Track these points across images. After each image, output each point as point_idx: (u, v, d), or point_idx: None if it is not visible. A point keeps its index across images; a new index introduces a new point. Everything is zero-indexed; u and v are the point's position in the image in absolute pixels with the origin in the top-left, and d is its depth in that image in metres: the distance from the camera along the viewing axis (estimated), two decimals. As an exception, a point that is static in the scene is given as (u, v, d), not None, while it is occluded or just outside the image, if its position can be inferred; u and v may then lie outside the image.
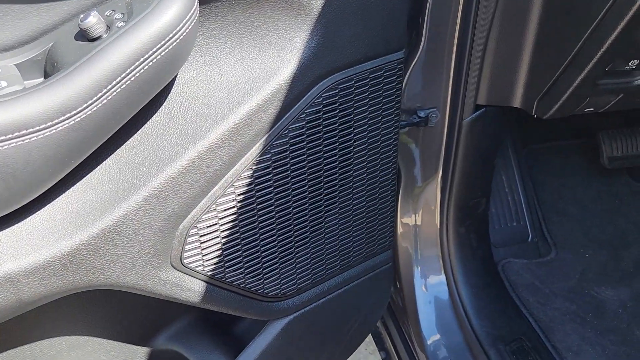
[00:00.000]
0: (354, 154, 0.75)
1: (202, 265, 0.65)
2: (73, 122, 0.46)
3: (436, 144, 0.99)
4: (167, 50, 0.47)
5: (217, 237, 0.63)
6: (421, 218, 1.04)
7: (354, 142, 0.74)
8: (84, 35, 0.50)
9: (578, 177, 1.37)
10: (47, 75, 0.53)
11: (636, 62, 0.79)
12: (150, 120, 0.54)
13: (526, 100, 0.91)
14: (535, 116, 0.92)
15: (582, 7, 0.74)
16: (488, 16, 0.84)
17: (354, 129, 0.73)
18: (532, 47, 0.84)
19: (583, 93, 0.84)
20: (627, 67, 0.80)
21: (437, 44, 0.87)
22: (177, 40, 0.47)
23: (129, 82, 0.47)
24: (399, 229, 1.02)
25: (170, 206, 0.56)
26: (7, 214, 0.50)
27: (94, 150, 0.51)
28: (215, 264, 0.66)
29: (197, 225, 0.60)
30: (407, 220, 1.03)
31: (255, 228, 0.68)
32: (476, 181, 1.04)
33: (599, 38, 0.74)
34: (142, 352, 0.85)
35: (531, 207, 1.27)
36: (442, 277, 1.05)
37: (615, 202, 1.33)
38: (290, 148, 0.65)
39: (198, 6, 0.49)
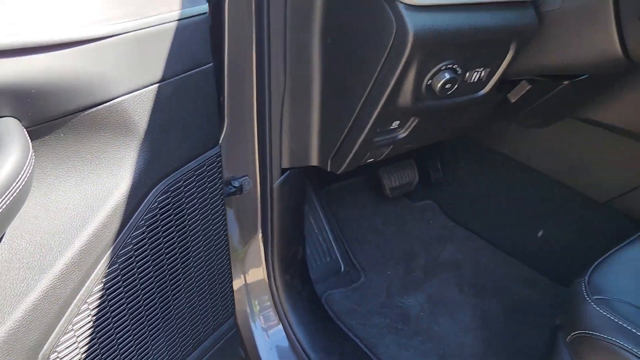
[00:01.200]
0: (191, 243, 0.82)
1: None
2: None
3: (252, 208, 1.10)
4: (8, 202, 0.48)
5: (78, 354, 0.64)
6: (250, 277, 1.14)
7: (190, 232, 0.81)
8: None
9: (370, 207, 1.61)
10: None
11: (397, 122, 1.01)
12: (-8, 261, 0.54)
13: (321, 160, 1.07)
14: (329, 169, 1.09)
15: (352, 88, 0.92)
16: (279, 95, 0.98)
17: (189, 221, 0.80)
18: (318, 119, 1.01)
19: (364, 150, 1.03)
20: (391, 127, 1.01)
21: (240, 119, 0.98)
22: (18, 190, 0.49)
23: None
24: (234, 293, 1.10)
25: (28, 339, 0.56)
26: None
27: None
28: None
29: (57, 349, 0.61)
30: (238, 282, 1.12)
31: (112, 335, 0.70)
32: (292, 233, 1.18)
33: (369, 110, 0.93)
34: None
35: (338, 241, 1.46)
36: (279, 325, 1.16)
37: (401, 223, 1.60)
38: (135, 254, 0.69)
39: (32, 152, 0.52)
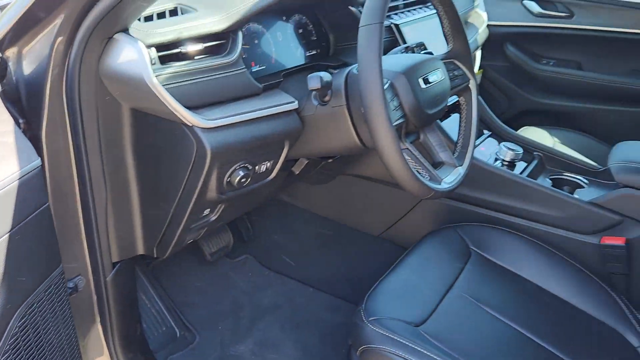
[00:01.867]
0: (47, 351, 0.94)
1: None
2: None
3: (89, 303, 1.22)
4: None
5: None
6: (98, 364, 1.26)
7: (47, 343, 0.94)
8: None
9: (194, 273, 1.81)
10: None
11: (208, 210, 1.24)
12: None
13: (147, 249, 1.26)
14: (156, 256, 1.28)
15: (167, 192, 1.13)
16: (103, 204, 1.14)
17: (44, 334, 0.93)
18: (140, 218, 1.19)
19: (184, 236, 1.24)
20: (204, 214, 1.24)
21: (69, 229, 1.11)
22: None
23: None
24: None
25: None
26: None
27: None
28: None
29: None
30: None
31: None
32: (129, 315, 1.32)
33: (184, 207, 1.14)
34: None
35: (170, 310, 1.63)
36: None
37: (224, 280, 1.82)
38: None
39: None
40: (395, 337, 1.11)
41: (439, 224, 1.55)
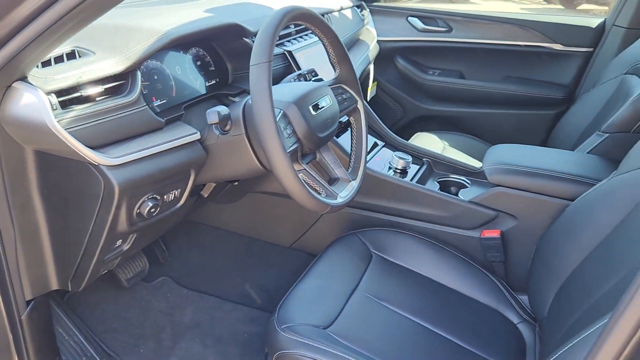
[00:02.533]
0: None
1: None
2: None
3: (6, 343, 1.24)
4: None
5: None
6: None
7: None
8: None
9: (111, 301, 1.83)
10: None
11: (120, 240, 1.29)
12: None
13: (61, 283, 1.29)
14: (71, 290, 1.31)
15: (77, 228, 1.18)
16: (12, 244, 1.17)
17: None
18: (52, 254, 1.23)
19: (99, 267, 1.29)
20: (116, 245, 1.29)
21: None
22: None
23: None
24: None
25: None
26: None
27: None
28: None
29: None
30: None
31: None
32: (49, 349, 1.35)
33: (95, 240, 1.19)
34: None
35: (89, 340, 1.65)
36: None
37: (143, 304, 1.86)
38: None
39: None
40: (306, 341, 1.23)
41: (343, 231, 1.69)
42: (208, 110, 1.18)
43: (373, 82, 2.63)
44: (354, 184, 1.39)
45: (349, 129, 1.83)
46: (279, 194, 1.82)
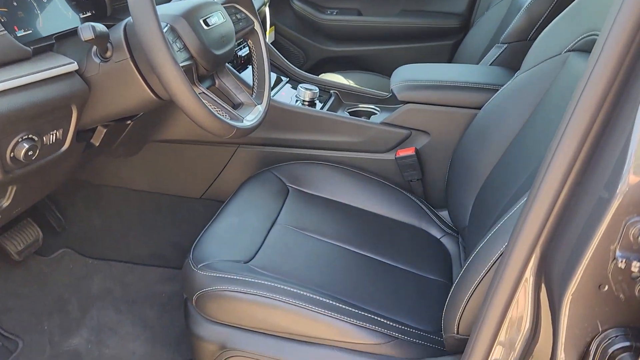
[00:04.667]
0: None
1: None
2: None
3: None
4: None
5: None
6: None
7: None
8: None
9: (2, 277, 1.62)
10: None
11: None
12: None
13: None
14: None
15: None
16: None
17: None
18: None
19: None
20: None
21: None
22: None
23: None
24: None
25: None
26: None
27: None
28: None
29: None
30: None
31: None
32: None
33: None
34: None
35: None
36: None
37: (42, 279, 1.67)
38: None
39: None
40: (227, 275, 1.13)
41: (256, 171, 1.60)
42: (80, 26, 1.03)
43: (270, 26, 2.51)
44: (260, 108, 1.30)
45: (248, 66, 1.73)
46: (182, 140, 1.68)
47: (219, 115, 1.09)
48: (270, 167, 1.58)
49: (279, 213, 1.41)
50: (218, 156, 1.70)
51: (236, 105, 1.27)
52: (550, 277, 0.73)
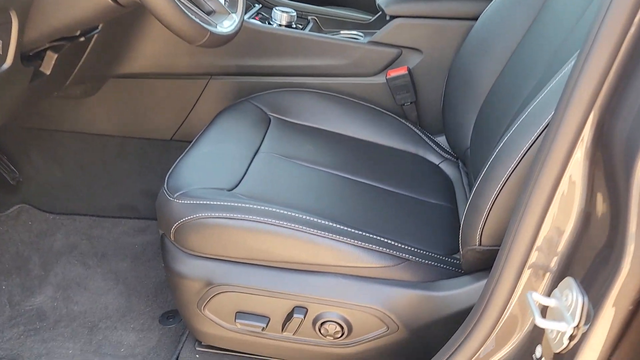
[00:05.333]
0: None
1: None
2: None
3: None
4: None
5: None
6: None
7: None
8: None
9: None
10: None
11: None
12: None
13: None
14: None
15: None
16: None
17: None
18: None
19: None
20: None
21: None
22: None
23: None
24: None
25: None
26: None
27: None
28: None
29: None
30: None
31: None
32: None
33: None
34: None
35: None
36: None
37: (7, 241, 1.49)
38: None
39: None
40: (209, 202, 0.98)
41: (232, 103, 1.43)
42: None
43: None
44: (235, 16, 1.13)
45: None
46: (145, 74, 1.50)
47: (190, 15, 0.92)
48: (248, 97, 1.42)
49: (262, 141, 1.26)
50: (188, 91, 1.53)
51: (208, 13, 1.10)
52: (611, 147, 0.60)
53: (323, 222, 0.97)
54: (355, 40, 1.47)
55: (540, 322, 0.64)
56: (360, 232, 0.97)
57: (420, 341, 0.97)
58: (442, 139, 1.44)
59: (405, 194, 1.21)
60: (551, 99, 0.80)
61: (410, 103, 1.44)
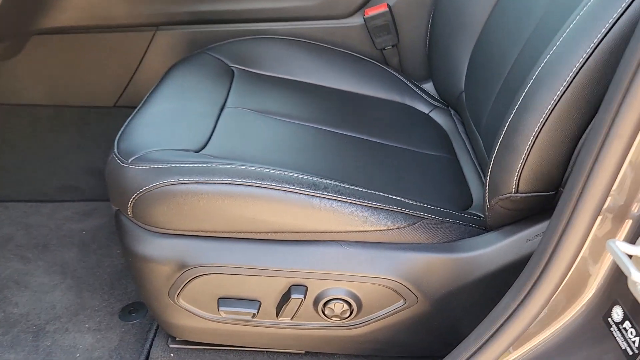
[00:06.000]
0: None
1: None
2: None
3: None
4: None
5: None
6: None
7: None
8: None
9: None
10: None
11: None
12: None
13: None
14: None
15: None
16: None
17: None
18: None
19: None
20: None
21: None
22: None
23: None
24: None
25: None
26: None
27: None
28: None
29: None
30: None
31: None
32: None
33: None
34: None
35: None
36: None
37: None
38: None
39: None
40: (175, 165, 0.78)
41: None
42: None
43: None
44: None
45: None
46: (77, 27, 1.26)
47: None
48: (205, 48, 1.21)
49: (227, 96, 1.06)
50: (131, 46, 1.30)
51: None
52: None
53: (319, 180, 0.79)
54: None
55: (637, 276, 0.49)
56: (364, 190, 0.80)
57: (444, 313, 0.82)
58: (428, 86, 1.29)
59: (400, 147, 1.04)
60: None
61: (392, 46, 1.27)
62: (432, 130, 1.16)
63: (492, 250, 0.78)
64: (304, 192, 0.77)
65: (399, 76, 1.25)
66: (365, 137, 1.04)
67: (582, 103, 0.64)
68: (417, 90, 1.25)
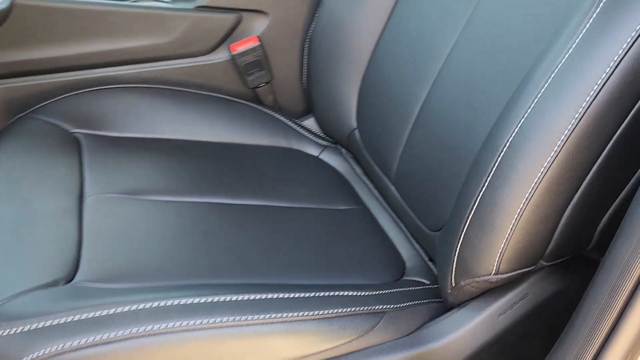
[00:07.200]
0: None
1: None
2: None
3: None
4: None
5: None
6: None
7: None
8: None
9: None
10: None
11: None
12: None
13: None
14: None
15: None
16: None
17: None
18: None
19: None
20: None
21: None
22: None
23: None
24: None
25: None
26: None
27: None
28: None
29: None
30: None
31: None
32: None
33: None
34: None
35: None
36: None
37: None
38: None
39: None
40: (51, 321, 0.53)
41: (2, 122, 0.92)
42: None
43: None
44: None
45: None
46: None
47: None
48: (29, 110, 0.92)
49: (82, 179, 0.80)
50: None
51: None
52: None
53: (258, 296, 0.60)
54: (175, 7, 1.05)
55: None
56: (313, 294, 0.63)
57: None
58: (309, 122, 1.15)
59: (308, 207, 0.89)
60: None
61: (265, 84, 1.10)
62: (332, 178, 1.03)
63: (465, 333, 0.67)
64: (245, 323, 0.57)
65: (279, 117, 1.09)
66: (265, 203, 0.87)
67: (575, 168, 0.55)
68: (301, 130, 1.10)
